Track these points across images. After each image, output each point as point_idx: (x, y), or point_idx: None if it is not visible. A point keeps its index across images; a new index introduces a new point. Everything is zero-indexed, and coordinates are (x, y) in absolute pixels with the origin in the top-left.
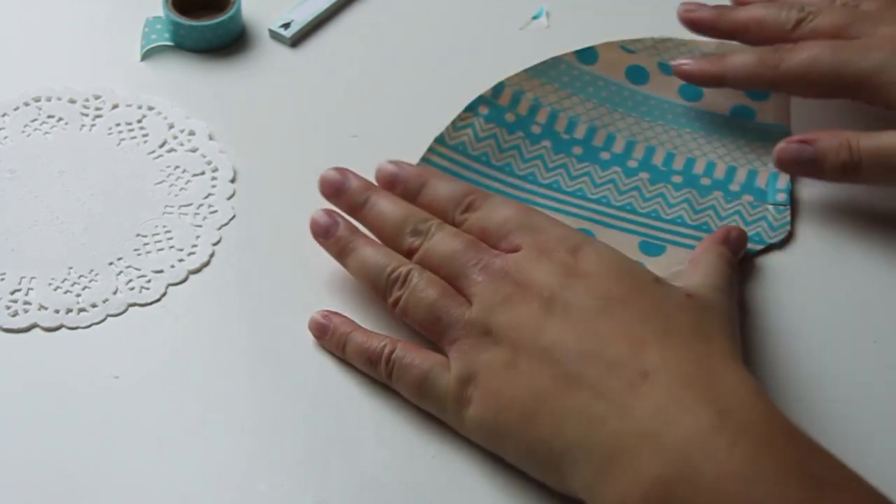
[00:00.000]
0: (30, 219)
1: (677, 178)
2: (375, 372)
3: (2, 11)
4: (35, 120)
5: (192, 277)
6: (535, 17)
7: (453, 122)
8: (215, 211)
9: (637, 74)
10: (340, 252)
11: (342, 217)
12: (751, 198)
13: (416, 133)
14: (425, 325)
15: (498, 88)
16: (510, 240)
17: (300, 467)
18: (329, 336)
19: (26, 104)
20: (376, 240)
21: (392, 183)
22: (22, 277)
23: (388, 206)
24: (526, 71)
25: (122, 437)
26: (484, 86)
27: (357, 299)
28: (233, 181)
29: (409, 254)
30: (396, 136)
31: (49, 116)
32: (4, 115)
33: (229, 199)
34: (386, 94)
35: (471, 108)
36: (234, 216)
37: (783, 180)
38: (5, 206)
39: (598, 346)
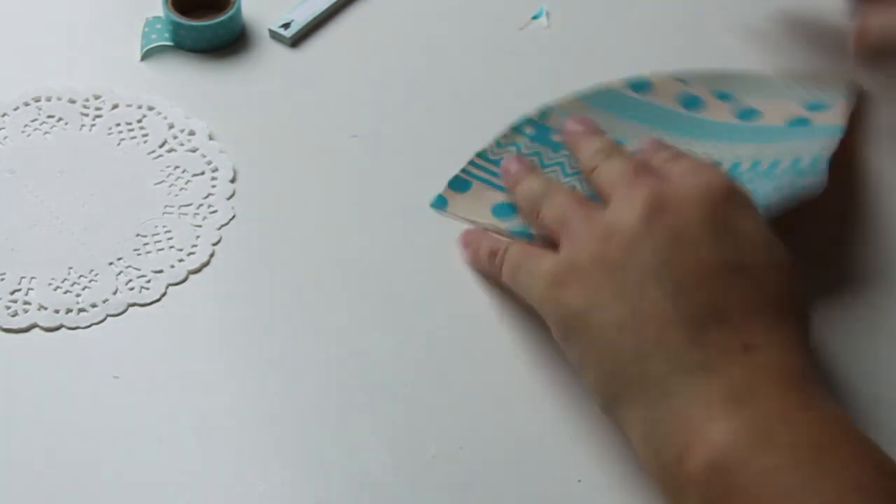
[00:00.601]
0: (30, 219)
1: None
2: (493, 265)
3: (2, 11)
4: (35, 120)
5: (192, 277)
6: (535, 17)
7: (497, 140)
8: (215, 211)
9: (692, 102)
10: (512, 183)
11: (523, 161)
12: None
13: (416, 133)
14: (554, 228)
15: (545, 112)
16: (671, 174)
17: (300, 467)
18: (471, 242)
19: (26, 104)
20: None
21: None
22: (22, 277)
23: (589, 144)
24: (574, 95)
25: (122, 437)
26: (484, 86)
27: (357, 300)
28: (233, 181)
29: (590, 171)
30: (396, 136)
31: (49, 116)
32: (4, 115)
33: (229, 199)
34: (386, 94)
35: (516, 129)
36: (233, 216)
37: (822, 161)
38: (5, 206)
39: (715, 297)
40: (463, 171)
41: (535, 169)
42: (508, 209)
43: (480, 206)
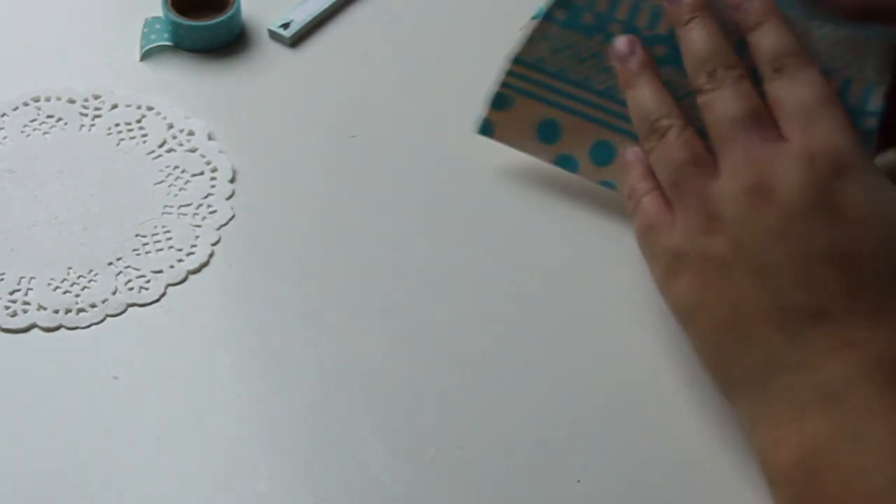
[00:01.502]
0: (29, 219)
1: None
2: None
3: (2, 11)
4: (34, 120)
5: (191, 277)
6: (535, 18)
7: (529, 37)
8: (214, 211)
9: None
10: (626, 83)
11: (640, 48)
12: None
13: (416, 133)
14: (665, 186)
15: None
16: (787, 126)
17: (300, 467)
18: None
19: (26, 104)
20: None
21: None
22: (21, 277)
23: (702, 34)
24: None
25: (121, 437)
26: (484, 86)
27: (357, 299)
28: (232, 181)
29: (699, 91)
30: (396, 136)
31: (48, 116)
32: (4, 115)
33: (228, 199)
34: (385, 94)
35: (548, 17)
36: (233, 216)
37: (877, 100)
38: (5, 206)
39: (815, 293)
40: (502, 84)
41: (649, 64)
42: (554, 131)
43: (527, 126)
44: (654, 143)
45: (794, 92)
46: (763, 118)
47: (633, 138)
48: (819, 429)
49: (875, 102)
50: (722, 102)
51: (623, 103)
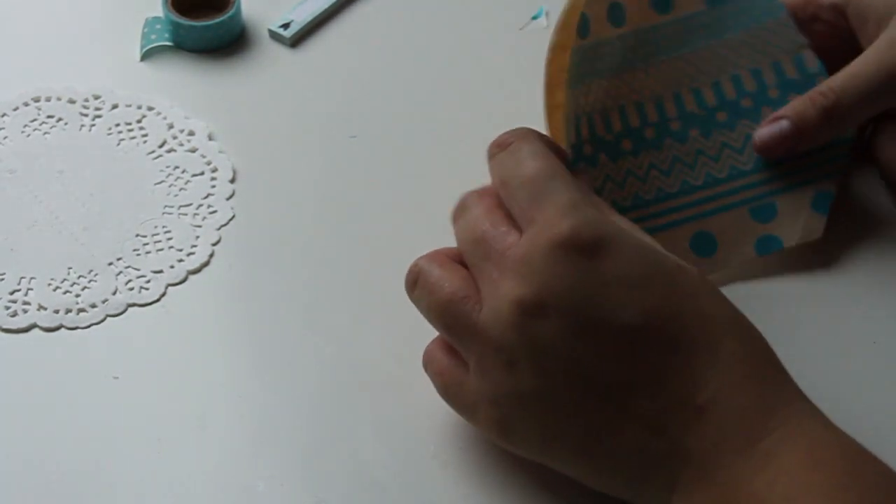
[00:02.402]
0: (29, 219)
1: (721, 116)
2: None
3: (2, 11)
4: (35, 120)
5: (191, 278)
6: (535, 18)
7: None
8: (215, 211)
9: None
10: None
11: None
12: (795, 94)
13: (416, 133)
14: (440, 331)
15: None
16: (521, 209)
17: (300, 467)
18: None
19: (26, 104)
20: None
21: None
22: (21, 277)
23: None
24: (569, 87)
25: (122, 437)
26: (484, 86)
27: (356, 299)
28: (232, 181)
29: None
30: (396, 136)
31: (49, 116)
32: (4, 115)
33: (229, 199)
34: (385, 94)
35: (575, 164)
36: (233, 216)
37: (812, 61)
38: (5, 206)
39: (647, 377)
40: None
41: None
42: None
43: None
44: (417, 292)
45: (516, 170)
46: (495, 227)
47: (707, 213)
48: (705, 501)
49: (811, 63)
50: (459, 234)
51: (674, 192)
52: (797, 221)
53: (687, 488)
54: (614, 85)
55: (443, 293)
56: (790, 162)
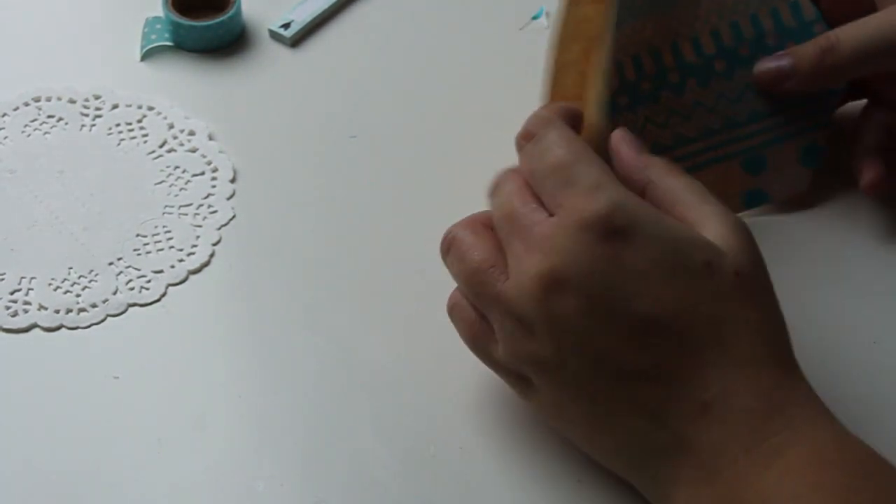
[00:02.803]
0: (30, 219)
1: (719, 65)
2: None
3: (2, 11)
4: (35, 120)
5: (192, 277)
6: (535, 18)
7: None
8: (215, 211)
9: None
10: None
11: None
12: (793, 43)
13: (416, 133)
14: (470, 298)
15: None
16: (550, 196)
17: (300, 467)
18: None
19: (26, 104)
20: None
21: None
22: (22, 277)
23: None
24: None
25: (122, 437)
26: (484, 86)
27: (357, 299)
28: (232, 181)
29: None
30: (396, 136)
31: (49, 116)
32: (4, 115)
33: (229, 199)
34: (386, 94)
35: (615, 112)
36: (233, 216)
37: (808, 9)
38: (5, 206)
39: (654, 367)
40: None
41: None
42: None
43: None
44: (449, 258)
45: (543, 157)
46: (524, 204)
47: (701, 164)
48: (707, 498)
49: (808, 12)
50: (492, 209)
51: (718, 126)
52: (784, 175)
53: (693, 484)
54: (643, 27)
55: (472, 261)
56: (781, 114)
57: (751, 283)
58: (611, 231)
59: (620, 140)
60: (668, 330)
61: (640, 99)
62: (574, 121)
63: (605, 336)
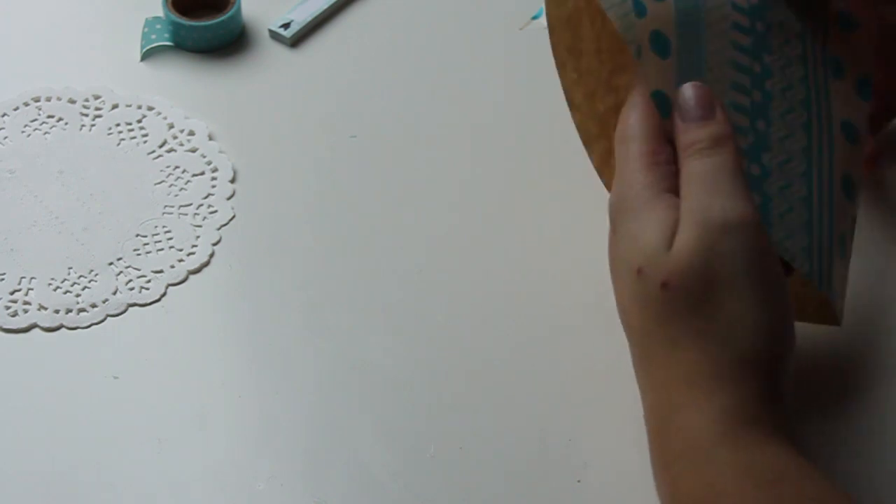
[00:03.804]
0: (29, 219)
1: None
2: None
3: (2, 11)
4: (35, 120)
5: (191, 277)
6: (534, 18)
7: None
8: (215, 211)
9: None
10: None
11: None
12: None
13: (416, 133)
14: None
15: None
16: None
17: (300, 467)
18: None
19: (26, 104)
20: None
21: None
22: (22, 277)
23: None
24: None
25: (122, 437)
26: (484, 86)
27: (356, 299)
28: (232, 181)
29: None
30: (396, 136)
31: (49, 116)
32: (4, 115)
33: (229, 199)
34: (385, 94)
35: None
36: (233, 216)
37: None
38: (5, 206)
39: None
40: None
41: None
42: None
43: None
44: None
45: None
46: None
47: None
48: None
49: None
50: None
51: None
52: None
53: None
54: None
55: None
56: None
57: (680, 296)
58: (611, 220)
59: (683, 97)
60: (626, 325)
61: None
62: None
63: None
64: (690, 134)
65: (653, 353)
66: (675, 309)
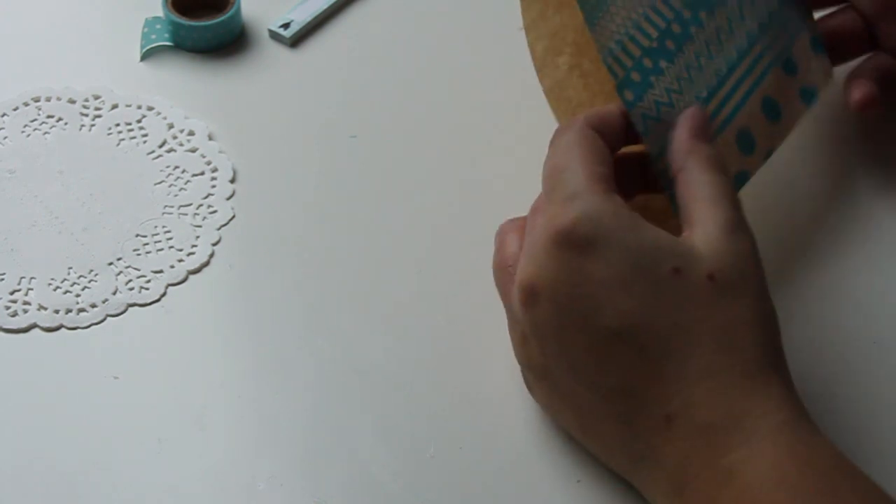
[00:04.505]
0: (29, 219)
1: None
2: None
3: (2, 11)
4: (35, 120)
5: (191, 278)
6: None
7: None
8: (215, 211)
9: None
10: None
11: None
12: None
13: (416, 133)
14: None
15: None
16: (545, 203)
17: (300, 467)
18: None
19: (26, 104)
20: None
21: None
22: (21, 278)
23: None
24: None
25: (121, 437)
26: (483, 86)
27: (356, 299)
28: (232, 181)
29: None
30: (396, 136)
31: (49, 116)
32: (4, 115)
33: (229, 199)
34: (386, 94)
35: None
36: (233, 216)
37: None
38: (5, 206)
39: (621, 379)
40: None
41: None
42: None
43: None
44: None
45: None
46: (534, 217)
47: (760, 78)
48: None
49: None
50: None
51: (724, 72)
52: (811, 67)
53: (667, 496)
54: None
55: (497, 258)
56: (777, 21)
57: (727, 286)
58: (574, 243)
59: (682, 119)
60: (632, 342)
61: (655, 70)
62: (605, 121)
63: (576, 347)
64: (690, 143)
65: (685, 352)
66: (720, 295)
